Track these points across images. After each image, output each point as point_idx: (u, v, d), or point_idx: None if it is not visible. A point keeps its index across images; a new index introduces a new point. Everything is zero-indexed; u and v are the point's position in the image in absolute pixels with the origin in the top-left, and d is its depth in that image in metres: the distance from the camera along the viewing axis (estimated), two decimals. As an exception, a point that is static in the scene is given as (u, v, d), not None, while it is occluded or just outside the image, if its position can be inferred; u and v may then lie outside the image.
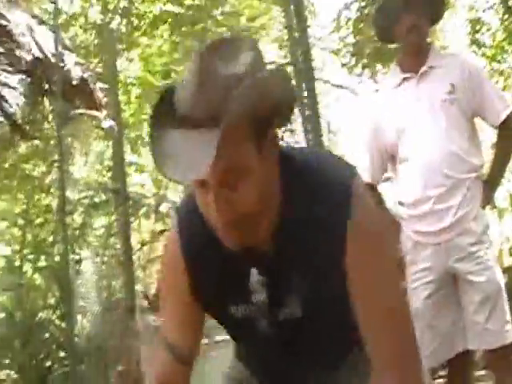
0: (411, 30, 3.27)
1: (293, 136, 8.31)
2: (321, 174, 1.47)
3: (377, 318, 1.43)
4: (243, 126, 1.33)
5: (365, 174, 3.53)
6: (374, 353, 1.44)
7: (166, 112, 1.36)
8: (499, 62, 10.93)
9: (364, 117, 4.28)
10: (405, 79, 3.35)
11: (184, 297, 1.59)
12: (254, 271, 1.51)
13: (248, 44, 1.39)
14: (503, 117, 3.26)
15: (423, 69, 3.30)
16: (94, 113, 7.48)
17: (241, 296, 1.55)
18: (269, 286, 1.52)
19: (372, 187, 3.58)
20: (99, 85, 8.66)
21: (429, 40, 3.51)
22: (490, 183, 3.32)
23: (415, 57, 3.35)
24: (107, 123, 6.88)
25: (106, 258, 7.10)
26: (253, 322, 1.57)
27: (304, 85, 4.73)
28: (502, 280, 3.22)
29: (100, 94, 8.57)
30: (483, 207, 3.26)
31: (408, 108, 3.28)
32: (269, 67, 1.43)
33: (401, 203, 3.37)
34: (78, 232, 6.72)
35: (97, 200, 6.95)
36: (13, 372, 5.83)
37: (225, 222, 1.37)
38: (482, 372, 5.03)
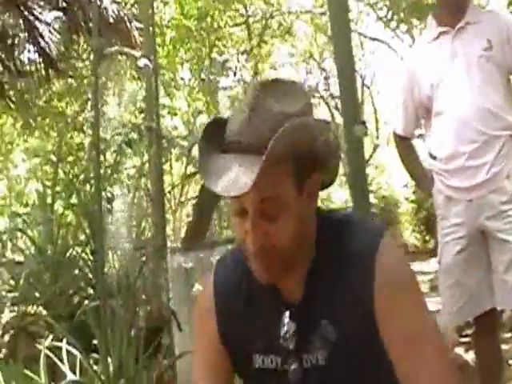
0: None
1: (328, 88, 8.24)
2: (354, 228, 1.56)
3: (417, 363, 1.45)
4: (285, 162, 1.43)
5: (398, 126, 3.54)
6: None
7: (215, 138, 1.47)
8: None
9: (399, 70, 4.25)
10: (441, 33, 3.33)
11: (214, 343, 1.67)
12: (284, 319, 1.57)
13: (300, 89, 1.52)
14: None
15: (460, 24, 3.28)
16: (130, 51, 7.44)
17: (268, 343, 1.59)
18: (297, 333, 1.56)
19: (406, 139, 3.57)
20: (135, 24, 8.60)
21: None
22: None
23: (453, 12, 3.30)
24: (142, 61, 6.82)
25: (136, 198, 7.14)
26: (277, 371, 1.59)
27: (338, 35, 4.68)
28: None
29: (136, 34, 8.52)
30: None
31: (443, 63, 3.27)
32: (317, 117, 1.55)
33: (434, 157, 3.37)
34: (110, 170, 6.75)
35: (130, 138, 6.95)
36: (41, 307, 5.92)
37: (257, 252, 1.46)
38: (509, 334, 5.03)
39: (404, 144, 3.59)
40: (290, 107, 1.44)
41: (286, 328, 1.55)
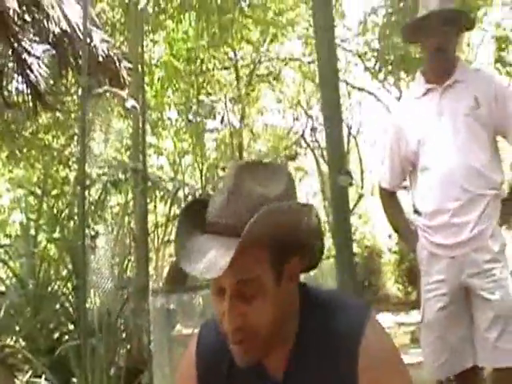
0: (438, 50, 3.29)
1: (314, 136, 8.36)
2: (337, 310, 1.54)
3: None
4: (262, 247, 1.43)
5: (384, 179, 3.58)
6: None
7: (195, 217, 1.48)
8: (523, 81, 10.94)
9: (386, 121, 4.30)
10: (429, 90, 3.36)
11: None
12: None
13: (282, 172, 1.52)
14: None
15: (448, 82, 3.32)
16: (118, 91, 7.53)
17: None
18: None
19: (391, 192, 3.62)
20: (124, 64, 8.70)
21: (455, 54, 3.49)
22: (510, 202, 3.32)
23: (440, 73, 3.35)
24: (130, 103, 6.94)
25: (120, 237, 7.16)
26: None
27: (326, 83, 4.76)
28: (515, 300, 3.21)
29: (125, 73, 8.61)
30: (501, 225, 3.29)
31: (430, 120, 3.31)
32: (299, 201, 1.53)
33: (418, 212, 3.38)
34: (94, 207, 6.79)
35: (115, 177, 7.01)
36: (21, 340, 5.90)
37: (233, 332, 1.45)
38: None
39: (389, 197, 3.61)
40: (270, 191, 1.45)
41: None
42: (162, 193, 7.31)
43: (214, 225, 1.43)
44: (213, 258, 1.36)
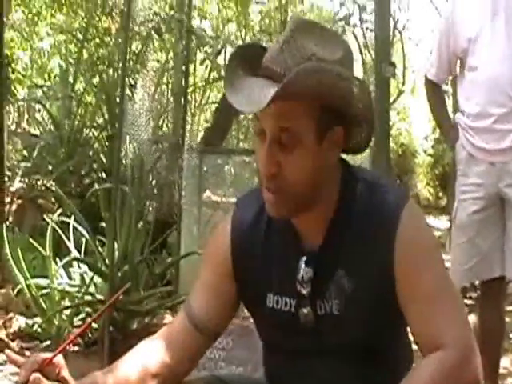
0: None
1: (361, 24, 8.06)
2: (378, 188, 1.57)
3: (435, 322, 1.48)
4: (312, 105, 1.46)
5: (431, 71, 3.48)
6: (433, 342, 1.46)
7: (246, 60, 1.51)
8: None
9: (435, 20, 4.20)
10: None
11: (222, 270, 1.66)
12: (302, 263, 1.56)
13: (342, 41, 1.56)
14: None
15: None
16: None
17: (284, 285, 1.60)
18: (313, 280, 1.56)
19: (436, 85, 3.52)
20: None
21: None
22: None
23: None
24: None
25: (158, 93, 7.07)
26: (290, 313, 1.60)
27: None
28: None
29: None
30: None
31: (483, 19, 3.14)
32: (356, 76, 1.54)
33: (462, 112, 3.28)
34: (135, 59, 6.64)
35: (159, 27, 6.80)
36: (52, 182, 5.91)
37: (267, 179, 1.49)
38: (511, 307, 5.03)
39: (433, 89, 3.50)
40: (325, 53, 1.46)
41: (302, 272, 1.56)
42: (204, 49, 7.09)
43: (265, 69, 1.47)
44: (256, 95, 1.41)
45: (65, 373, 1.51)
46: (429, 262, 1.51)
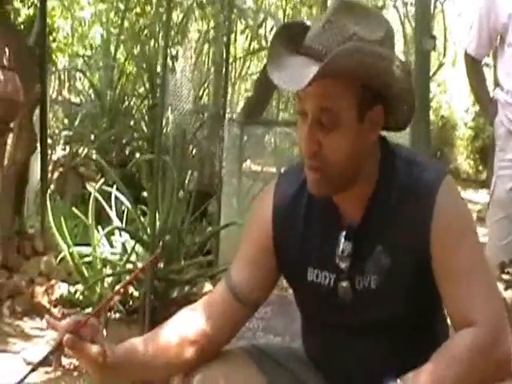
0: None
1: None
2: (416, 166, 1.59)
3: (470, 298, 1.49)
4: (353, 84, 1.47)
5: (471, 46, 3.42)
6: (466, 318, 1.48)
7: (289, 38, 1.53)
8: None
9: None
10: None
11: (263, 243, 1.68)
12: (342, 237, 1.59)
13: (385, 21, 1.54)
14: None
15: None
16: None
17: (323, 259, 1.62)
18: (353, 255, 1.58)
19: (475, 61, 3.46)
20: None
21: None
22: None
23: None
24: None
25: (199, 63, 7.05)
26: (329, 287, 1.62)
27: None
28: None
29: None
30: None
31: None
32: (398, 57, 1.54)
33: (501, 87, 3.25)
34: (177, 28, 6.62)
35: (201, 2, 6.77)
36: (93, 151, 5.94)
37: (309, 157, 1.51)
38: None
39: (473, 64, 3.48)
40: (366, 33, 1.47)
41: (342, 247, 1.58)
42: (245, 22, 7.04)
43: (307, 48, 1.48)
44: (297, 74, 1.42)
45: (99, 336, 1.54)
46: (463, 240, 1.52)
